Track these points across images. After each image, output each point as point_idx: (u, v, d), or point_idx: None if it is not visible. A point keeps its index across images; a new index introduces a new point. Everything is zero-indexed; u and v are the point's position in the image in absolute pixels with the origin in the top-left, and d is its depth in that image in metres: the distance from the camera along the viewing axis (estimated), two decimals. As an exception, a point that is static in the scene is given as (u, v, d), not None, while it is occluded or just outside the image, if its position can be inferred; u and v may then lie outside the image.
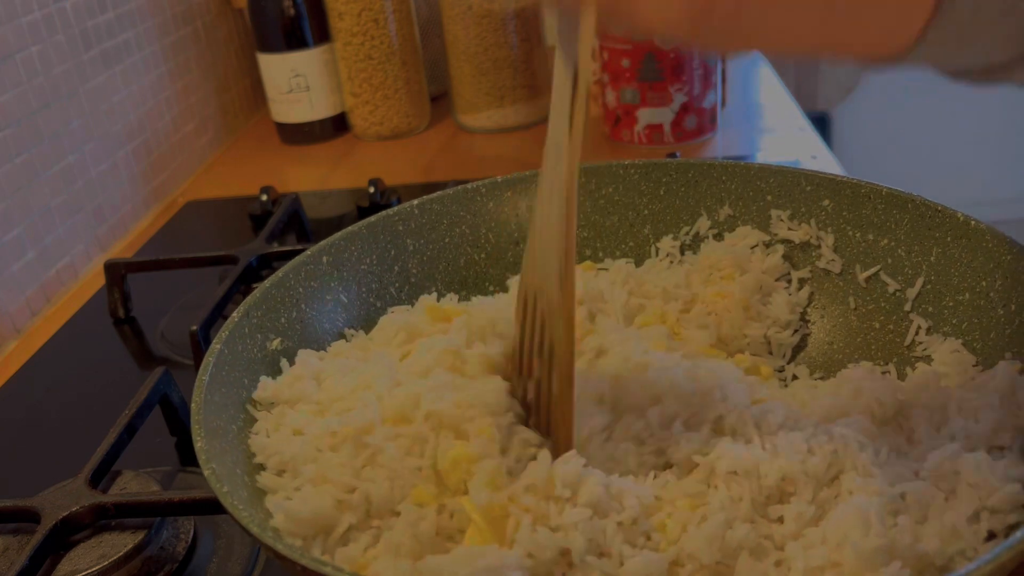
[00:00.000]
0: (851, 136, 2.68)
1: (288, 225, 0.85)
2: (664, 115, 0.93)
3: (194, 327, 0.63)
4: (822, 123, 2.65)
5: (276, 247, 0.75)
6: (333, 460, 0.41)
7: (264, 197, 0.90)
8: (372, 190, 0.87)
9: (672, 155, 0.85)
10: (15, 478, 0.58)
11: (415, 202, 0.58)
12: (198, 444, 0.39)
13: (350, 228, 0.56)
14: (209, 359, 0.44)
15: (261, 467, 0.43)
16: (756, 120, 1.03)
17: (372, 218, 0.57)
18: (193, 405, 0.41)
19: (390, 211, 0.58)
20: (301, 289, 0.52)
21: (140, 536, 0.47)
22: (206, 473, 0.37)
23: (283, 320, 0.51)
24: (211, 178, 1.07)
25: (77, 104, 0.86)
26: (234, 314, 0.48)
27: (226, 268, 0.75)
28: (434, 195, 0.59)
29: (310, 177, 1.03)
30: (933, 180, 2.65)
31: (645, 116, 0.93)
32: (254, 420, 0.46)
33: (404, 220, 0.58)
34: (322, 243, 0.54)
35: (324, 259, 0.54)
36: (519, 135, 1.05)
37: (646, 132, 0.94)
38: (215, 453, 0.39)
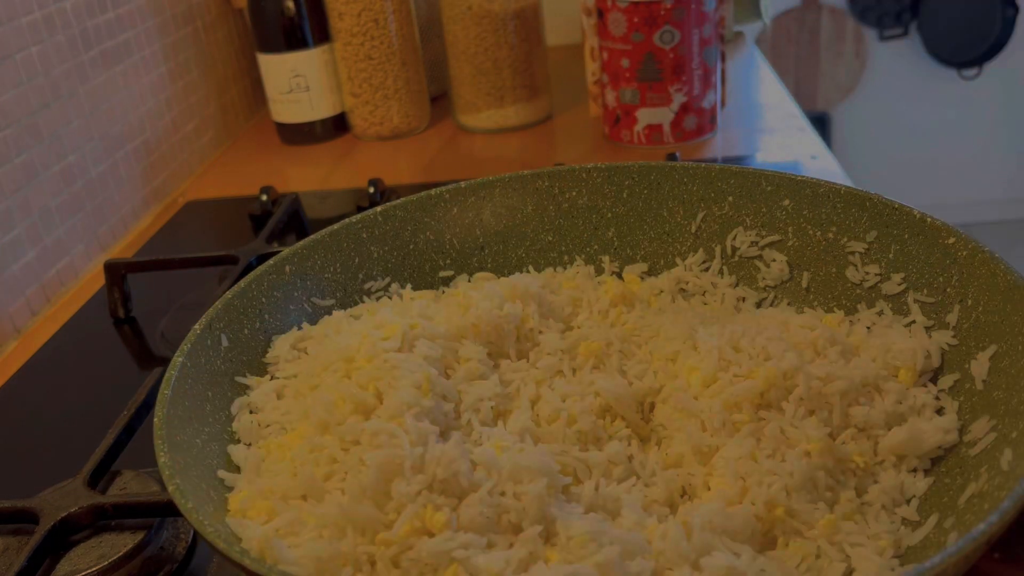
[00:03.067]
0: (851, 136, 2.68)
1: (288, 225, 0.85)
2: (664, 115, 0.93)
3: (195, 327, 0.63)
4: (822, 123, 2.65)
5: (276, 247, 0.75)
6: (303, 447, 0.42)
7: (264, 197, 0.90)
8: (372, 190, 0.87)
9: (672, 156, 0.85)
10: (14, 478, 0.58)
11: (378, 209, 0.58)
12: (161, 459, 0.39)
13: (313, 236, 0.55)
14: (171, 372, 0.44)
15: (236, 439, 0.45)
16: (756, 120, 1.03)
17: (335, 226, 0.56)
18: (156, 420, 0.41)
19: (353, 218, 0.57)
20: (264, 299, 0.52)
21: (140, 536, 0.47)
22: (170, 488, 0.37)
23: (246, 331, 0.50)
24: (211, 178, 1.07)
25: (77, 104, 0.86)
26: (196, 326, 0.48)
27: (226, 268, 0.75)
28: (397, 202, 0.58)
29: (310, 177, 1.03)
30: (933, 180, 2.65)
31: (645, 116, 0.93)
32: (218, 434, 0.45)
33: (368, 227, 0.57)
34: (285, 252, 0.54)
35: (287, 268, 0.54)
36: (519, 135, 1.05)
37: (646, 132, 0.94)
38: (179, 468, 0.39)
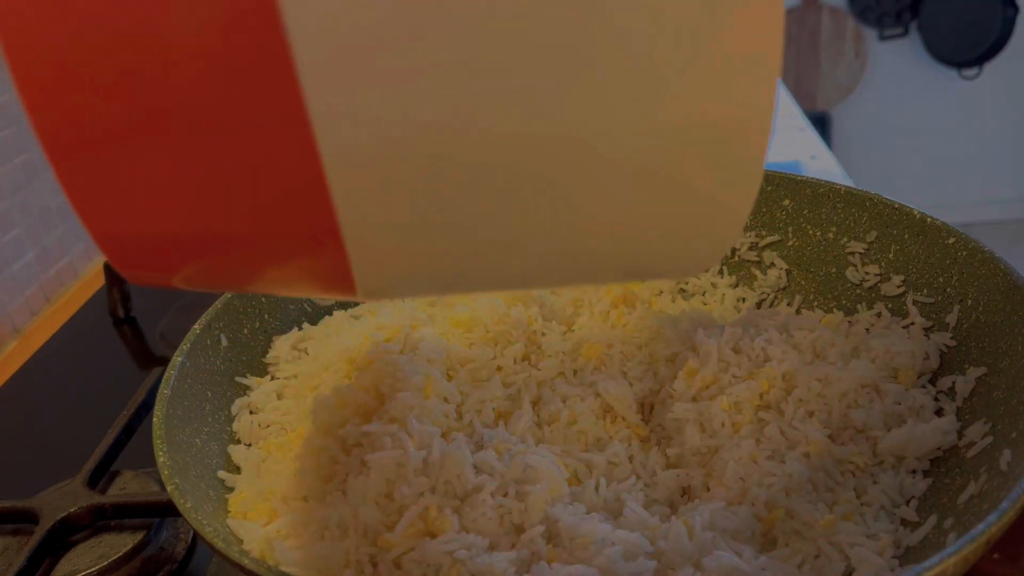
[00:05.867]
0: (851, 136, 2.68)
1: (288, 225, 0.85)
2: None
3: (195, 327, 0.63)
4: (822, 123, 2.65)
5: (276, 247, 0.75)
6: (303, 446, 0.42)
7: (264, 197, 0.90)
8: (372, 190, 0.87)
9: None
10: (14, 478, 0.58)
11: None
12: (160, 459, 0.38)
13: None
14: (171, 372, 0.44)
15: (236, 439, 0.45)
16: (756, 120, 1.03)
17: None
18: (155, 420, 0.41)
19: None
20: (264, 299, 0.52)
21: (139, 536, 0.47)
22: (169, 488, 0.37)
23: (246, 331, 0.50)
24: (211, 178, 1.07)
25: (77, 104, 0.86)
26: (195, 326, 0.48)
27: (226, 268, 0.75)
28: None
29: (310, 177, 1.02)
30: (933, 180, 2.65)
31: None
32: (218, 434, 0.46)
33: None
34: None
35: None
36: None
37: (646, 132, 0.94)
38: (179, 468, 0.39)
